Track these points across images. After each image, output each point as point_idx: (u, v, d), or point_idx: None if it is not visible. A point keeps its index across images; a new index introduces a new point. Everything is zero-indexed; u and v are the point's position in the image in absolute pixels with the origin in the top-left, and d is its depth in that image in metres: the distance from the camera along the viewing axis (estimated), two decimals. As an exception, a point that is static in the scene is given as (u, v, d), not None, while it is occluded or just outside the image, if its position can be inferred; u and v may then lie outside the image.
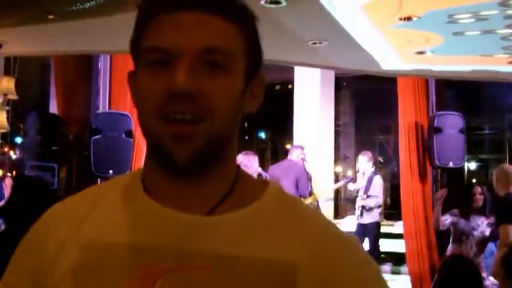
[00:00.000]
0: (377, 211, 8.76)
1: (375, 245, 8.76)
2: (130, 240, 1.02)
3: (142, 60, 1.04)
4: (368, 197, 8.77)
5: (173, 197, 1.04)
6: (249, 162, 7.75)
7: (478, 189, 6.44)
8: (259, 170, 7.69)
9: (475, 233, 6.23)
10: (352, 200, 9.71)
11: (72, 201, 1.16)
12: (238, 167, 1.12)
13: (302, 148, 8.78)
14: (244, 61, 1.05)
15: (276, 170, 8.57)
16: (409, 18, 5.03)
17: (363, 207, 8.77)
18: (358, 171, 9.37)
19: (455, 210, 6.55)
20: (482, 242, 6.26)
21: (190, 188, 1.05)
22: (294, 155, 8.67)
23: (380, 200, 8.79)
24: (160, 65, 1.00)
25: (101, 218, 1.07)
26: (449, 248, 6.55)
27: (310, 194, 8.83)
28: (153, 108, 1.00)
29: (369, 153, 9.18)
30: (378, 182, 8.90)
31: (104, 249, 1.03)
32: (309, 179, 8.67)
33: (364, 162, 9.08)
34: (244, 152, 8.09)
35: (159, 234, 1.01)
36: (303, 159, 8.70)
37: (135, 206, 1.06)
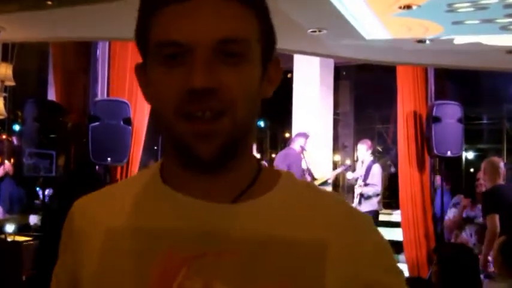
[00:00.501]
0: (375, 199, 8.79)
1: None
2: (154, 225, 1.02)
3: (154, 54, 1.01)
4: (366, 185, 8.80)
5: (195, 189, 1.04)
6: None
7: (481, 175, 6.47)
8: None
9: (476, 221, 6.25)
10: (351, 188, 9.73)
11: (96, 196, 1.16)
12: (255, 157, 1.12)
13: (305, 136, 8.82)
14: (260, 46, 1.02)
15: (276, 159, 8.63)
16: (408, 7, 5.02)
17: (362, 195, 8.81)
18: (357, 160, 9.39)
19: (458, 198, 6.56)
20: (483, 231, 6.29)
21: (213, 181, 1.04)
22: (296, 143, 8.75)
23: (378, 188, 8.83)
24: (174, 59, 0.97)
25: (123, 206, 1.07)
26: (451, 213, 6.56)
27: (314, 179, 8.91)
28: (173, 107, 0.97)
29: (368, 142, 9.23)
30: (377, 170, 8.93)
31: (127, 234, 1.03)
32: (306, 167, 8.72)
33: (363, 151, 9.12)
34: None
35: (183, 220, 1.01)
36: (302, 148, 8.75)
37: (157, 195, 1.06)
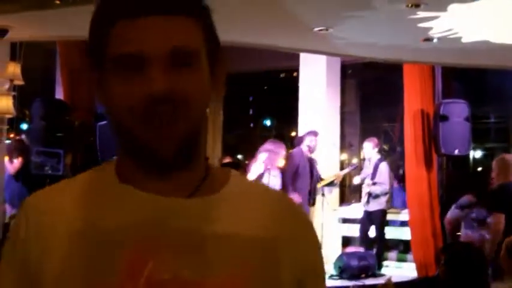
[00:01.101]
0: (383, 198, 8.77)
1: (380, 232, 8.78)
2: (115, 223, 1.05)
3: (109, 67, 1.06)
4: (374, 184, 8.78)
5: (152, 188, 1.08)
6: (276, 149, 7.82)
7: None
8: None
9: (489, 220, 6.20)
10: (358, 188, 9.70)
11: (50, 193, 1.17)
12: (206, 158, 1.18)
13: (315, 135, 8.82)
14: (205, 49, 1.09)
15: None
16: (417, 6, 5.01)
17: (370, 194, 8.78)
18: (364, 158, 9.36)
19: (466, 198, 6.53)
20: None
21: (168, 180, 1.09)
22: (304, 143, 8.77)
23: (386, 187, 8.79)
24: (131, 69, 1.03)
25: (83, 206, 1.09)
26: (463, 235, 6.53)
27: (320, 179, 8.92)
28: (132, 114, 1.03)
29: (375, 140, 9.19)
30: (384, 168, 8.90)
31: (89, 235, 1.05)
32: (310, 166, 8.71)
33: (370, 149, 9.08)
34: (271, 140, 8.15)
35: (143, 215, 1.05)
36: (309, 147, 8.75)
37: (116, 193, 1.09)
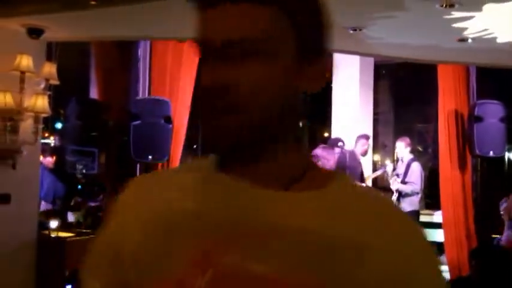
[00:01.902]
0: (415, 199, 8.71)
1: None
2: (198, 211, 1.04)
3: (196, 52, 1.07)
4: (405, 183, 8.74)
5: (245, 176, 1.04)
6: (328, 156, 7.84)
7: None
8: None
9: None
10: (389, 188, 9.67)
11: (152, 177, 1.21)
12: (309, 157, 1.14)
13: (366, 138, 8.90)
14: (294, 44, 1.04)
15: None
16: (451, 6, 4.97)
17: (399, 193, 8.74)
18: (397, 159, 9.32)
19: (504, 201, 6.48)
20: None
21: (255, 170, 1.05)
22: (357, 146, 8.88)
23: (417, 187, 8.73)
24: (206, 58, 1.04)
25: (175, 189, 1.09)
26: (505, 236, 6.48)
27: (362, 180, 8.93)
28: (199, 103, 1.04)
29: (407, 139, 9.15)
30: (416, 168, 8.85)
31: (170, 220, 1.05)
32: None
33: (402, 148, 9.05)
34: (323, 146, 8.19)
35: (227, 204, 1.03)
36: (361, 150, 8.83)
37: (209, 180, 1.08)
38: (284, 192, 1.03)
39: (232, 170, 1.06)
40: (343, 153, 8.63)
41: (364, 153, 8.99)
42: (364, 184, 8.72)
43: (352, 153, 8.83)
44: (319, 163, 8.12)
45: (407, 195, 8.70)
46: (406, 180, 8.77)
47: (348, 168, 8.46)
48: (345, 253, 0.99)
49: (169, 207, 1.07)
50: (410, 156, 9.05)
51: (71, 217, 8.15)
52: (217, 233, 1.01)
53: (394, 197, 8.82)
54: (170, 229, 1.05)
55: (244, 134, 1.01)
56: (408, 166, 8.86)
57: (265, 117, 1.02)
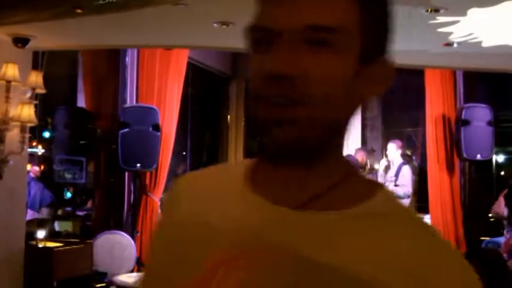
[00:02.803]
0: (406, 201, 8.74)
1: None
2: (214, 222, 1.00)
3: (248, 38, 0.99)
4: (396, 186, 8.77)
5: (273, 186, 0.99)
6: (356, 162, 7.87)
7: None
8: None
9: None
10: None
11: (196, 177, 1.17)
12: (348, 162, 1.03)
13: (365, 151, 9.03)
14: (360, 38, 0.96)
15: None
16: (436, 11, 4.99)
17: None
18: (388, 162, 9.36)
19: None
20: None
21: (291, 178, 0.98)
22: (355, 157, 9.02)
23: (409, 189, 8.78)
24: (263, 44, 0.95)
25: (206, 197, 1.07)
26: (505, 236, 6.49)
27: None
28: (253, 91, 0.96)
29: (398, 142, 9.21)
30: (407, 171, 8.90)
31: (195, 226, 1.03)
32: None
33: (394, 150, 9.10)
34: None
35: (241, 220, 0.98)
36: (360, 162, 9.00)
37: (235, 192, 1.03)
38: (299, 211, 0.95)
39: (261, 178, 1.01)
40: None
41: (364, 166, 9.09)
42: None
43: (354, 160, 8.94)
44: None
45: (399, 197, 8.74)
46: (398, 183, 8.81)
47: None
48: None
49: (188, 218, 1.05)
50: (401, 159, 9.10)
51: (58, 227, 8.11)
52: (224, 250, 0.96)
53: None
54: (189, 242, 1.01)
55: (309, 128, 0.93)
56: (399, 169, 8.91)
57: (327, 118, 0.95)
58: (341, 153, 1.03)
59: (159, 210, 1.20)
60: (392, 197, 1.01)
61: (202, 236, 1.00)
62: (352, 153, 9.34)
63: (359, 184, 1.01)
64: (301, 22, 0.92)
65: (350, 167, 1.02)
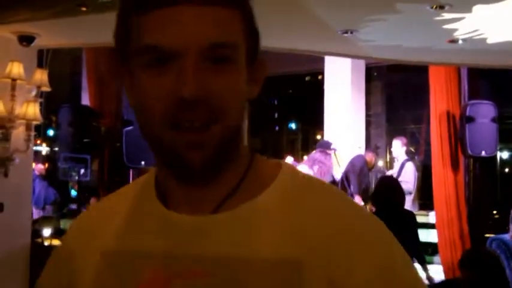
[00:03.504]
0: (408, 198, 8.75)
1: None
2: (137, 245, 1.02)
3: (137, 60, 0.96)
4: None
5: (184, 200, 1.01)
6: (328, 162, 7.85)
7: None
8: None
9: None
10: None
11: (94, 212, 1.20)
12: (246, 147, 1.06)
13: (373, 152, 9.14)
14: (245, 48, 0.98)
15: None
16: (441, 7, 4.98)
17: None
18: (392, 159, 9.42)
19: None
20: None
21: (202, 190, 1.00)
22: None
23: (411, 186, 8.81)
24: (161, 64, 0.93)
25: (115, 225, 1.07)
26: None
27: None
28: (160, 116, 0.94)
29: (403, 139, 9.28)
30: (410, 168, 8.93)
31: (116, 256, 1.04)
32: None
33: (398, 147, 9.15)
34: (320, 150, 8.18)
35: (164, 239, 0.99)
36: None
37: (147, 211, 1.04)
38: (214, 215, 0.99)
39: (171, 195, 1.03)
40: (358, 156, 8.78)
41: (372, 166, 9.16)
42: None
43: (363, 159, 8.99)
44: (316, 167, 8.14)
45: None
46: (400, 179, 8.80)
47: (362, 170, 8.57)
48: (278, 277, 0.93)
49: (113, 250, 1.04)
50: (405, 156, 9.14)
51: (63, 225, 8.13)
52: (155, 270, 0.98)
53: None
54: (116, 273, 1.02)
55: (217, 149, 0.95)
56: (402, 165, 8.94)
57: (236, 127, 0.98)
58: (242, 146, 1.05)
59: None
60: (294, 172, 1.05)
61: (133, 263, 1.01)
62: (357, 152, 9.34)
63: (264, 169, 1.04)
64: (206, 41, 0.92)
65: (251, 153, 1.06)
